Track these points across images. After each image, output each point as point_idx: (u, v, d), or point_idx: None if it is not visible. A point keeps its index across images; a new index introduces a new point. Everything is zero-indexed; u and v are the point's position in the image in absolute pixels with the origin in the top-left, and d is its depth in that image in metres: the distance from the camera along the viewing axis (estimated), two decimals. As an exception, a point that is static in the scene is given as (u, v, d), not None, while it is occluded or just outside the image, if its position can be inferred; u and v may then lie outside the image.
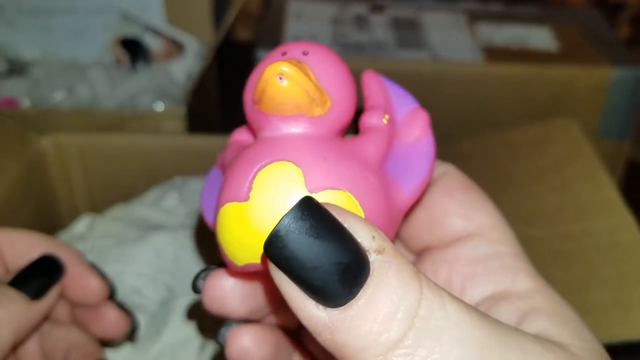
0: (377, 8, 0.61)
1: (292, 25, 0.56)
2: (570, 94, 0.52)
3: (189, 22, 0.57)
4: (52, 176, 0.44)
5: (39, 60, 0.57)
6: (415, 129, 0.20)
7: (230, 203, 0.18)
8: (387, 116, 0.19)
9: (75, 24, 0.57)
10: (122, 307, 0.29)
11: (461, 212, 0.21)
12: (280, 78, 0.17)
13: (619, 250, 0.28)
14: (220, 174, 0.21)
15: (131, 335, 0.30)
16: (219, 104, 0.64)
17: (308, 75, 0.18)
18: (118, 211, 0.40)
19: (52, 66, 0.56)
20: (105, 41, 0.57)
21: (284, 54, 0.19)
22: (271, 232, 0.15)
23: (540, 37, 0.57)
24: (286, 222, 0.15)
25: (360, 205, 0.17)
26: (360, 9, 0.61)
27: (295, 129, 0.18)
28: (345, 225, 0.15)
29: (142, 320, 0.33)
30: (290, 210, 0.15)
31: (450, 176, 0.22)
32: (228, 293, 0.20)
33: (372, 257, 0.15)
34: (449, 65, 0.51)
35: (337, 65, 0.19)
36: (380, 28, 0.57)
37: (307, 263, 0.14)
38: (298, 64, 0.18)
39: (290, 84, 0.17)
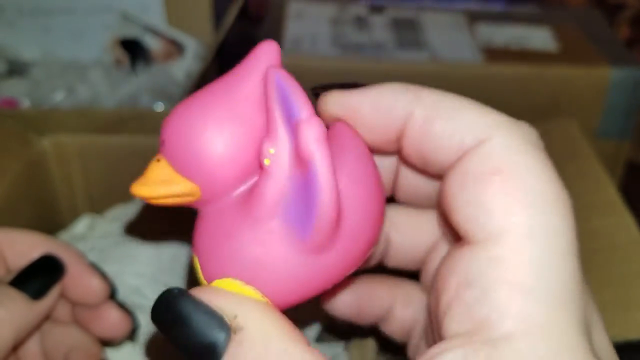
0: (377, 9, 0.61)
1: (292, 26, 0.56)
2: (570, 93, 0.52)
3: (189, 23, 0.57)
4: (52, 176, 0.44)
5: (38, 60, 0.57)
6: (302, 151, 0.15)
7: None
8: (272, 150, 0.16)
9: (75, 24, 0.57)
10: (122, 307, 0.29)
11: (467, 213, 0.15)
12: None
13: (618, 250, 0.28)
14: None
15: (132, 334, 0.30)
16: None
17: (165, 177, 0.17)
18: (118, 211, 0.40)
19: (52, 66, 0.56)
20: (105, 41, 0.57)
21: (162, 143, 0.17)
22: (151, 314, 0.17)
23: (540, 37, 0.57)
24: (155, 312, 0.17)
25: (253, 283, 0.16)
26: (360, 10, 0.61)
27: (199, 216, 0.18)
28: (212, 307, 0.16)
29: (142, 320, 0.33)
30: (155, 303, 0.17)
31: (477, 155, 0.15)
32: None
33: (232, 336, 0.15)
34: (448, 66, 0.51)
35: (196, 139, 0.16)
36: (380, 28, 0.57)
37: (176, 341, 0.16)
38: (155, 169, 0.17)
39: (155, 201, 0.17)
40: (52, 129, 0.44)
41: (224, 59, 0.64)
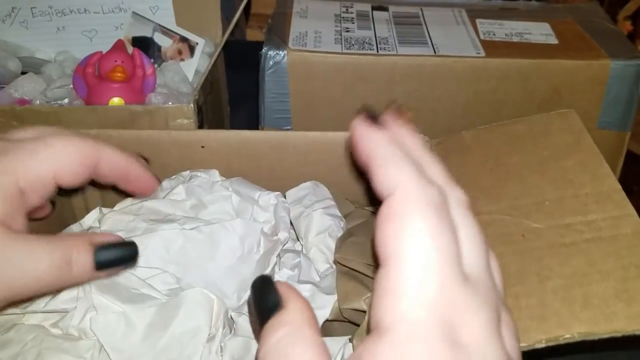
0: (380, 8, 0.60)
1: (297, 22, 0.55)
2: (571, 86, 0.51)
3: (198, 23, 0.57)
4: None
5: (52, 59, 0.57)
6: None
7: None
8: None
9: (87, 24, 0.57)
10: None
11: (376, 245, 0.20)
12: None
13: (619, 242, 0.26)
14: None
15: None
16: (228, 101, 0.64)
17: None
18: (128, 204, 0.40)
19: (65, 65, 0.55)
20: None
21: None
22: None
23: (541, 31, 0.56)
24: None
25: None
26: (364, 6, 0.60)
27: None
28: None
29: (151, 311, 0.32)
30: None
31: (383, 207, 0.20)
32: None
33: None
34: (450, 60, 0.50)
35: None
36: (382, 24, 0.56)
37: None
38: None
39: None
40: (65, 125, 0.44)
41: (233, 57, 0.64)
